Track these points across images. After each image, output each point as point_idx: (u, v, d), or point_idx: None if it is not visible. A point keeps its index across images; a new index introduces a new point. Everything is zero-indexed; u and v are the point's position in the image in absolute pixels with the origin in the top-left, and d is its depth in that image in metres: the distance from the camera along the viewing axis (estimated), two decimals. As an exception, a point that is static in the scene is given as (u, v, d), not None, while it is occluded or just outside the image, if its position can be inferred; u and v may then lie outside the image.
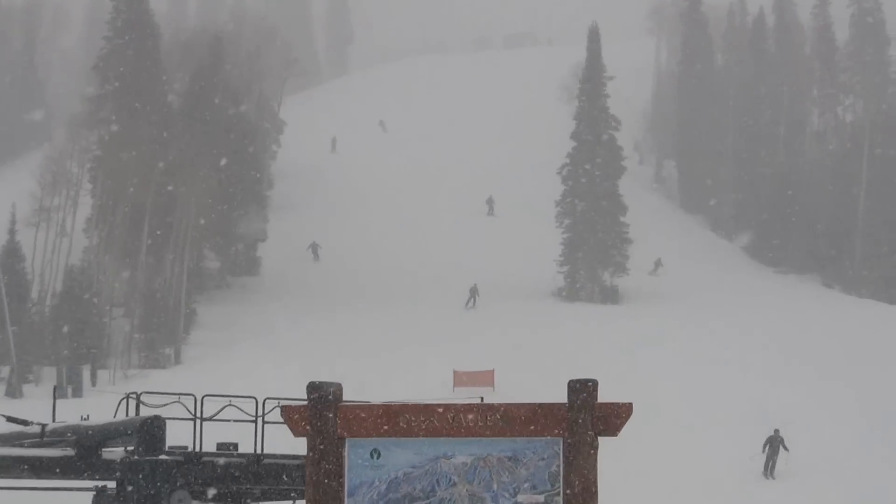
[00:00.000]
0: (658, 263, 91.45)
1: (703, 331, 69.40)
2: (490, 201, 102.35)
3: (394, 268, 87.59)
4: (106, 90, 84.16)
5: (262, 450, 25.33)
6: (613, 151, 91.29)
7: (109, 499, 24.39)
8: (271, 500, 27.68)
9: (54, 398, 28.19)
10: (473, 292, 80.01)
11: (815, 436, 49.78)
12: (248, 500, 26.53)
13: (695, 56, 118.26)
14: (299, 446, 14.31)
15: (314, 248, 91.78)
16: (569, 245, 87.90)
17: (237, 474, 25.28)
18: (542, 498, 12.95)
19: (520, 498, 12.99)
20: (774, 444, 45.63)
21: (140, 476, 22.79)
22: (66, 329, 71.04)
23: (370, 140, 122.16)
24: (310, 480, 13.34)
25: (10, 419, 24.49)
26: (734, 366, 61.75)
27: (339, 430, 13.33)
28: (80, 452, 22.86)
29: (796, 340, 66.96)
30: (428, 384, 54.04)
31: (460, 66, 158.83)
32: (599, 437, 12.91)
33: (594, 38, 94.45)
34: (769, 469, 45.68)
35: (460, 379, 59.20)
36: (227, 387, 31.33)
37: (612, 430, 12.91)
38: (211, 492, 25.98)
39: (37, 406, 36.53)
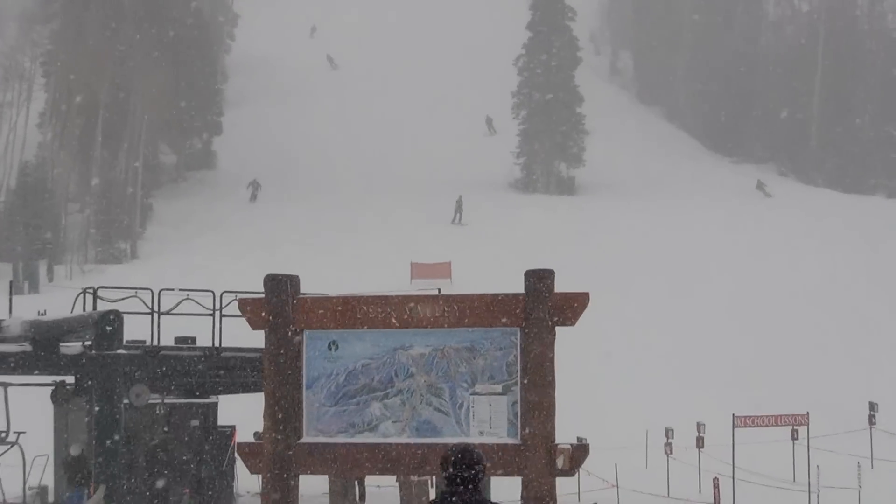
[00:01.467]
0: (761, 184, 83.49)
1: (659, 221, 69.62)
2: (489, 121, 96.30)
3: (347, 161, 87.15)
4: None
5: (221, 343, 25.46)
6: (569, 42, 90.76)
7: (68, 393, 24.46)
8: (229, 392, 27.85)
9: (10, 294, 28.17)
10: (459, 205, 74.15)
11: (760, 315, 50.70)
12: (207, 393, 26.70)
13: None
14: (257, 339, 14.31)
15: (254, 186, 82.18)
16: (525, 136, 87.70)
17: (195, 368, 25.40)
18: (499, 388, 13.00)
19: (477, 388, 13.04)
20: None
21: (98, 371, 22.82)
22: (21, 225, 70.63)
23: (326, 33, 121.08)
24: (268, 373, 13.35)
25: (-35, 315, 24.46)
26: (693, 255, 62.22)
27: (296, 323, 13.32)
28: (38, 347, 22.86)
29: (750, 229, 67.40)
30: (385, 277, 54.22)
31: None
32: (556, 327, 12.93)
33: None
34: None
35: (417, 271, 59.27)
36: (185, 281, 31.33)
37: (569, 319, 12.92)
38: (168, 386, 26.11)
39: (-7, 302, 36.34)
